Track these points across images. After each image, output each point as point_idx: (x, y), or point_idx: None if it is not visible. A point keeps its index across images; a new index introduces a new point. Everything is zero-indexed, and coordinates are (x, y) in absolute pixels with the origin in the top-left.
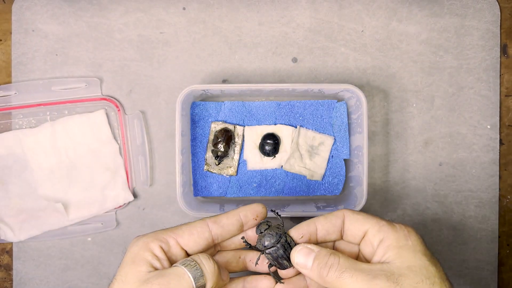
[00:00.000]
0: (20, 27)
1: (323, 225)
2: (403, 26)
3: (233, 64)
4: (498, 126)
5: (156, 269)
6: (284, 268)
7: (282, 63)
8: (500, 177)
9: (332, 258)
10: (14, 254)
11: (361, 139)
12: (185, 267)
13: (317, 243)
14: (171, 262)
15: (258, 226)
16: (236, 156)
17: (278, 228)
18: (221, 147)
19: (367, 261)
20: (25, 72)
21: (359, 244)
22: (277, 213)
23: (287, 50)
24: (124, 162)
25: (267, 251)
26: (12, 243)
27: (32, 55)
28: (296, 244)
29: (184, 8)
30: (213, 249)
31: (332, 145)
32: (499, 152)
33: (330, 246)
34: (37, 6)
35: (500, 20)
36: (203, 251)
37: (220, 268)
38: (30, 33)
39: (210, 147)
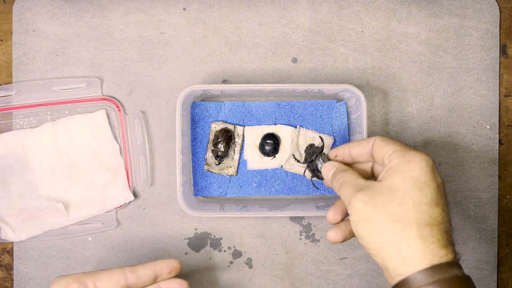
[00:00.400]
0: (21, 27)
1: (355, 147)
2: (402, 26)
3: (233, 64)
4: (498, 126)
5: None
6: (319, 178)
7: (282, 63)
8: (499, 177)
9: (342, 173)
10: (14, 254)
11: (360, 139)
12: None
13: (352, 163)
14: None
15: (307, 146)
16: (236, 156)
17: (318, 148)
18: (221, 147)
19: None
20: (25, 72)
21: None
22: (320, 137)
23: (287, 50)
24: (124, 162)
25: (308, 163)
26: (12, 242)
27: (32, 55)
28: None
29: (184, 9)
30: None
31: (332, 145)
32: (499, 152)
33: (368, 167)
34: (37, 6)
35: (500, 20)
36: None
37: None
38: (31, 33)
39: (210, 147)
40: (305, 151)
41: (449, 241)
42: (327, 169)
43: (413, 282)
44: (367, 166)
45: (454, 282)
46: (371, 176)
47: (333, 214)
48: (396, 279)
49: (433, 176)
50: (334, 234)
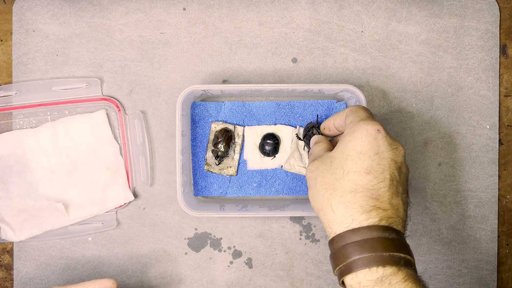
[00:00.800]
0: (21, 27)
1: (336, 119)
2: (402, 26)
3: (233, 65)
4: (498, 126)
5: None
6: None
7: (282, 63)
8: (499, 177)
9: (315, 145)
10: (15, 254)
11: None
12: None
13: (338, 133)
14: None
15: (307, 125)
16: (236, 156)
17: (312, 124)
18: (221, 147)
19: None
20: (25, 72)
21: None
22: (317, 115)
23: (287, 50)
24: (124, 162)
25: (304, 138)
26: (13, 242)
27: (32, 55)
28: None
29: (184, 9)
30: None
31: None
32: (498, 152)
33: None
34: (37, 6)
35: (500, 20)
36: None
37: None
38: (31, 33)
39: (210, 147)
40: (304, 128)
41: (374, 206)
42: (312, 142)
43: (333, 243)
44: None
45: (368, 243)
46: None
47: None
48: (330, 236)
49: (372, 145)
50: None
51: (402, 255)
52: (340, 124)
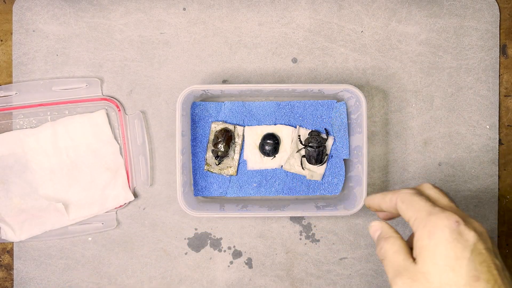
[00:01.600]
0: (21, 27)
1: (382, 204)
2: (402, 26)
3: (233, 65)
4: (497, 126)
5: None
6: (310, 163)
7: (282, 63)
8: (499, 177)
9: (383, 242)
10: (14, 254)
11: (360, 139)
12: None
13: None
14: None
15: (312, 131)
16: (236, 156)
17: (322, 139)
18: (221, 147)
19: None
20: (25, 72)
21: None
22: (326, 130)
23: (287, 50)
24: (124, 162)
25: (308, 147)
26: (13, 242)
27: (32, 55)
28: (326, 156)
29: (184, 9)
30: None
31: (332, 145)
32: (498, 152)
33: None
34: (37, 6)
35: (499, 20)
36: None
37: None
38: (31, 33)
39: (210, 147)
40: (309, 133)
41: None
42: (373, 229)
43: None
44: None
45: None
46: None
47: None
48: None
49: (462, 242)
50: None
51: None
52: (390, 207)
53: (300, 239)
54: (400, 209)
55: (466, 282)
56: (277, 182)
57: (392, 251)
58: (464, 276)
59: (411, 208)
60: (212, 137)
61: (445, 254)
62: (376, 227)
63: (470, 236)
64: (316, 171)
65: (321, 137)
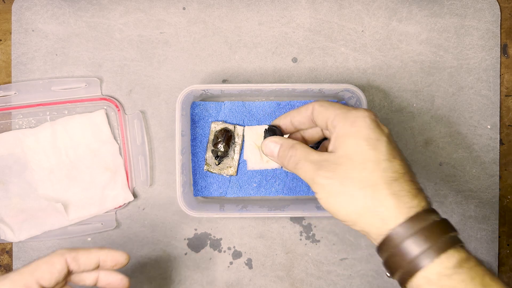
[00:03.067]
0: (20, 27)
1: (295, 116)
2: (403, 26)
3: (233, 64)
4: (498, 126)
5: None
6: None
7: (282, 63)
8: (500, 177)
9: (291, 150)
10: (14, 254)
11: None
12: None
13: (295, 132)
14: None
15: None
16: (236, 156)
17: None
18: (221, 147)
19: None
20: (25, 72)
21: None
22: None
23: (287, 50)
24: (124, 162)
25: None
26: (12, 243)
27: (32, 55)
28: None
29: (184, 8)
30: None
31: None
32: (499, 152)
33: (316, 132)
34: (37, 6)
35: (500, 20)
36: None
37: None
38: (30, 33)
39: (210, 147)
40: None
41: (418, 189)
42: (268, 147)
43: (395, 237)
44: (314, 132)
45: (434, 227)
46: (322, 138)
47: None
48: (379, 239)
49: (380, 129)
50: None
51: (456, 233)
52: (302, 121)
53: (300, 239)
54: (318, 112)
55: (386, 158)
56: (277, 182)
57: (304, 152)
58: (385, 154)
59: (331, 108)
60: (212, 137)
61: (367, 136)
62: (274, 143)
63: (385, 128)
64: None
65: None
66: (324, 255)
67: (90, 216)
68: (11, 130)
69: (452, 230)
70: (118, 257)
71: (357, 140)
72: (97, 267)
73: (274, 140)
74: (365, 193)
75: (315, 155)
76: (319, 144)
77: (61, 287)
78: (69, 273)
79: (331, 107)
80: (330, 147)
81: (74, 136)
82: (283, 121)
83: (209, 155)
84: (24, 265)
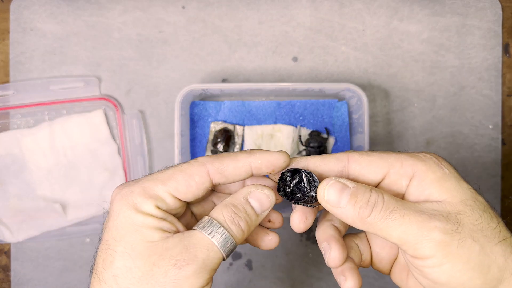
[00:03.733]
0: (18, 26)
1: (317, 167)
2: (404, 25)
3: (233, 63)
4: (500, 126)
5: (166, 232)
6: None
7: (282, 62)
8: (502, 177)
9: (374, 195)
10: (12, 255)
11: (362, 139)
12: (211, 236)
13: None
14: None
15: (312, 131)
16: None
17: (323, 139)
18: (220, 147)
19: None
20: (23, 72)
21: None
22: (326, 129)
23: (288, 49)
24: (122, 162)
25: (309, 148)
26: (10, 243)
27: (30, 54)
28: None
29: (183, 7)
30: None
31: (333, 145)
32: (501, 152)
33: None
34: (35, 5)
35: (502, 19)
36: (202, 199)
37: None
38: (28, 32)
39: (210, 147)
40: (309, 134)
41: None
42: (334, 190)
43: None
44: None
45: None
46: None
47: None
48: None
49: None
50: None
51: None
52: (328, 174)
53: (301, 240)
54: (369, 162)
55: (489, 206)
56: None
57: (393, 198)
58: (482, 201)
59: (387, 156)
60: (211, 137)
61: (459, 177)
62: (341, 184)
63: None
64: None
65: (322, 137)
66: None
67: (89, 217)
68: (9, 130)
69: None
70: (274, 160)
71: (460, 183)
72: (251, 176)
73: (339, 181)
74: (503, 248)
75: (410, 203)
76: (320, 147)
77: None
78: (213, 186)
79: (384, 156)
80: (414, 198)
81: (73, 136)
82: (300, 166)
83: (208, 155)
84: (159, 171)
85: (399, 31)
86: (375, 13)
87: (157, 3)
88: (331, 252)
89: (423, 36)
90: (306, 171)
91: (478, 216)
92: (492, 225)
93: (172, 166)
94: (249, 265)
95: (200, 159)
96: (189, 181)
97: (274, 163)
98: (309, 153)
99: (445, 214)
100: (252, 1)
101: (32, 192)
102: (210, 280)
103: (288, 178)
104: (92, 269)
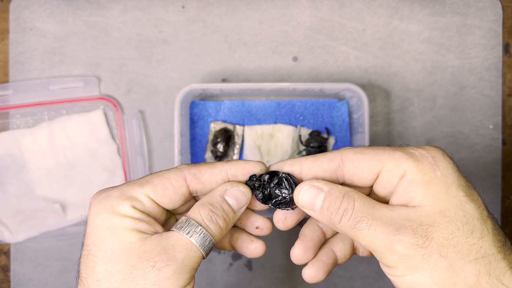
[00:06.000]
0: (18, 26)
1: (310, 169)
2: (404, 24)
3: (233, 63)
4: (501, 126)
5: (144, 233)
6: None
7: (282, 62)
8: (502, 177)
9: (345, 201)
10: (11, 255)
11: (362, 139)
12: (189, 236)
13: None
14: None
15: (312, 131)
16: (236, 157)
17: (323, 139)
18: (220, 147)
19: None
20: (22, 72)
21: (370, 187)
22: (326, 129)
23: (288, 49)
24: (122, 162)
25: (309, 148)
26: (9, 244)
27: (29, 54)
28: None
29: (183, 7)
30: (191, 202)
31: (333, 145)
32: (502, 152)
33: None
34: (35, 5)
35: (503, 19)
36: (179, 206)
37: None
38: (28, 32)
39: (210, 147)
40: (309, 134)
41: None
42: (305, 196)
43: None
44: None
45: None
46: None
47: (303, 252)
48: None
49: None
50: (315, 272)
51: None
52: (322, 175)
53: None
54: (362, 160)
55: (487, 214)
56: None
57: (366, 204)
58: (483, 207)
59: (381, 153)
60: (211, 137)
61: (459, 182)
62: (316, 189)
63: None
64: None
65: (322, 137)
66: None
67: None
68: (8, 130)
69: None
70: (250, 168)
71: (449, 189)
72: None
73: (315, 185)
74: (477, 267)
75: (383, 209)
76: (320, 147)
77: (187, 209)
78: (191, 193)
79: (378, 152)
80: (396, 199)
81: (72, 136)
82: (290, 170)
83: (208, 155)
84: (139, 178)
85: (400, 31)
86: (375, 13)
87: (157, 3)
88: (293, 248)
89: (424, 36)
90: (285, 173)
91: (454, 230)
92: (470, 240)
93: (151, 173)
94: (249, 265)
95: (178, 166)
96: (166, 184)
97: (250, 170)
98: (309, 153)
99: (415, 226)
100: (252, 1)
101: (31, 192)
102: (192, 279)
103: (265, 182)
104: (78, 275)
